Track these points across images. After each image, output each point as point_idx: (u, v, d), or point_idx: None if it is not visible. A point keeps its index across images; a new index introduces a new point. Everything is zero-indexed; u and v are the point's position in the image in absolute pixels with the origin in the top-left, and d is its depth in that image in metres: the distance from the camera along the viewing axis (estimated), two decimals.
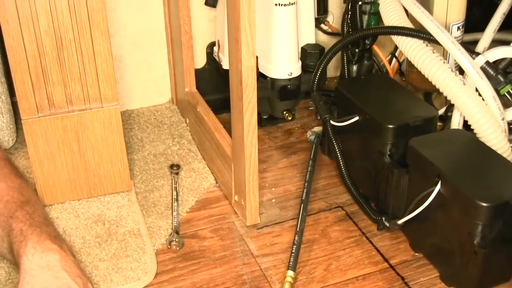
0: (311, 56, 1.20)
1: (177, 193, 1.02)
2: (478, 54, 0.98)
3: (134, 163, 1.11)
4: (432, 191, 0.81)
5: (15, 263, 0.79)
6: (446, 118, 1.07)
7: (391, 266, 0.88)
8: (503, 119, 0.94)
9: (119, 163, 0.99)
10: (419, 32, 0.97)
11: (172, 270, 0.87)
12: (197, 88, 1.20)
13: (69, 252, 0.81)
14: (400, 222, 0.88)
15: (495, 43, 1.07)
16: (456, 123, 1.00)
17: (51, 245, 0.78)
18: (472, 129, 0.94)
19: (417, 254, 0.90)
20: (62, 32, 0.88)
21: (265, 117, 1.24)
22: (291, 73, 1.18)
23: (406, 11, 1.04)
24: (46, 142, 0.93)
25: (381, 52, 1.20)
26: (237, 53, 0.84)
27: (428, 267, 0.88)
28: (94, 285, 0.83)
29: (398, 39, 1.00)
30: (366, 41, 1.15)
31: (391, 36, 1.02)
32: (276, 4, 1.13)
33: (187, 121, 1.22)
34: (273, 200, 1.02)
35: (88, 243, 0.91)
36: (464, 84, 0.93)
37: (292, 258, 0.86)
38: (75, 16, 0.88)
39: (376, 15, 1.16)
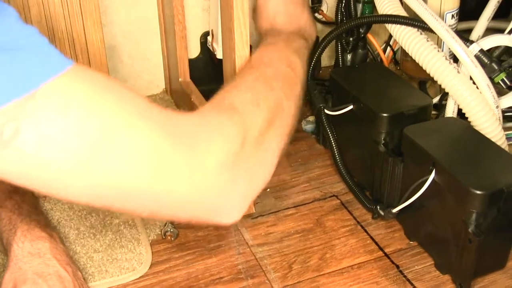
0: None
1: None
2: (472, 42, 0.97)
3: None
4: (427, 179, 0.81)
5: (5, 252, 0.80)
6: (440, 107, 1.07)
7: (386, 255, 0.88)
8: (497, 107, 0.94)
9: None
10: (413, 20, 0.97)
11: (167, 261, 0.87)
12: (191, 78, 1.20)
13: (59, 240, 0.81)
14: (394, 210, 0.88)
15: (489, 31, 1.07)
16: (450, 111, 1.00)
17: (41, 233, 0.79)
18: (467, 118, 0.94)
19: (412, 242, 0.90)
20: (53, 22, 0.88)
21: None
22: None
23: None
24: None
25: (375, 41, 1.20)
26: (231, 42, 0.84)
27: (423, 255, 0.88)
28: (89, 276, 0.84)
29: (392, 28, 1.00)
30: (361, 30, 1.15)
31: (385, 24, 1.02)
32: None
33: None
34: (268, 189, 1.02)
35: (82, 234, 0.91)
36: (458, 72, 0.93)
37: None
38: (67, 6, 0.87)
39: (370, 3, 1.15)
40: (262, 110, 0.66)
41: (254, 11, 0.89)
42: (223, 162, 0.58)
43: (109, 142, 0.50)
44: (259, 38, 0.86)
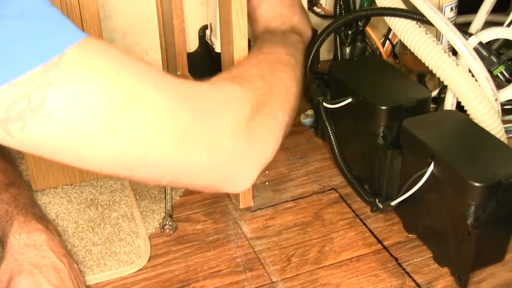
0: None
1: None
2: (471, 35, 0.97)
3: None
4: (425, 172, 0.81)
5: (1, 244, 0.80)
6: (439, 100, 1.07)
7: (385, 248, 0.88)
8: (496, 100, 0.94)
9: None
10: (412, 13, 0.97)
11: (166, 254, 0.87)
12: (189, 71, 1.19)
13: (55, 232, 0.81)
14: (393, 203, 0.88)
15: (488, 24, 1.06)
16: (449, 104, 1.00)
17: (37, 225, 0.79)
18: (466, 110, 0.94)
19: (410, 235, 0.90)
20: None
21: None
22: None
23: None
24: None
25: (374, 34, 1.20)
26: (229, 35, 0.84)
27: (422, 248, 0.88)
28: (87, 269, 0.84)
29: (391, 21, 1.00)
30: (359, 23, 1.15)
31: (384, 17, 1.02)
32: None
33: None
34: (267, 183, 1.02)
35: (81, 228, 0.91)
36: (457, 65, 0.93)
37: None
38: None
39: None
40: (267, 82, 0.69)
41: (249, 17, 0.91)
42: (238, 128, 0.62)
43: (131, 109, 0.52)
44: (255, 40, 0.88)
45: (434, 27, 0.96)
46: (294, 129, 1.17)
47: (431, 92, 0.99)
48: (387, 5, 1.00)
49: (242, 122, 0.62)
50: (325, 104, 1.02)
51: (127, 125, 0.52)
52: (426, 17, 0.95)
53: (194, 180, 0.62)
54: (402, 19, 0.98)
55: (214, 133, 0.59)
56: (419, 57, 0.97)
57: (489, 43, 0.99)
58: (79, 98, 0.49)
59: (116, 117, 0.51)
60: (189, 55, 1.21)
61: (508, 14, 1.03)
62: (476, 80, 0.93)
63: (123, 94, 0.52)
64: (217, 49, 1.18)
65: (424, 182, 0.82)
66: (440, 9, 1.09)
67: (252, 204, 0.96)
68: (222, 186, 0.65)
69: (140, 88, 0.53)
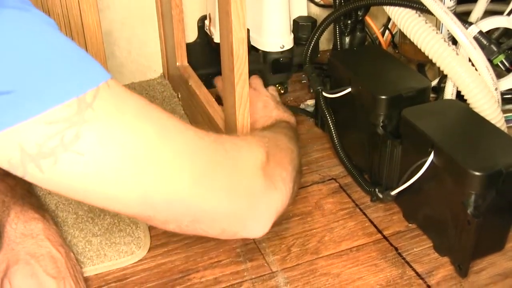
0: (303, 28, 1.19)
1: None
2: (471, 24, 0.97)
3: None
4: (425, 161, 0.81)
5: None
6: (439, 89, 1.07)
7: (385, 237, 0.88)
8: (496, 89, 0.94)
9: None
10: (412, 2, 0.96)
11: (166, 244, 0.87)
12: (188, 62, 1.19)
13: (52, 222, 0.81)
14: (393, 193, 0.88)
15: (488, 13, 1.06)
16: (449, 93, 0.99)
17: (34, 214, 0.79)
18: (465, 100, 0.94)
19: (410, 224, 0.90)
20: (50, 6, 0.87)
21: None
22: (283, 46, 1.17)
23: None
24: None
25: (373, 24, 1.19)
26: (228, 25, 0.83)
27: (422, 237, 0.88)
28: (87, 260, 0.84)
29: (390, 10, 1.00)
30: (359, 13, 1.14)
31: (383, 7, 1.01)
32: None
33: (179, 96, 1.22)
34: None
35: (81, 218, 0.91)
36: (457, 54, 0.93)
37: None
38: None
39: None
40: (275, 140, 0.78)
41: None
42: (255, 170, 0.66)
43: (157, 150, 0.55)
44: None
45: (434, 16, 0.95)
46: None
47: (431, 81, 0.99)
48: None
49: (258, 165, 0.67)
50: (324, 94, 1.02)
51: (153, 165, 0.55)
52: (425, 6, 0.95)
53: (212, 222, 0.65)
54: (401, 9, 0.98)
55: (232, 174, 0.63)
56: (418, 46, 0.97)
57: (489, 32, 0.99)
58: (110, 138, 0.51)
59: (144, 157, 0.54)
60: (188, 46, 1.20)
61: (508, 3, 1.03)
62: (476, 69, 0.93)
63: (150, 136, 0.55)
64: (216, 39, 1.18)
65: (424, 171, 0.81)
66: None
67: None
68: (239, 229, 0.68)
69: (165, 131, 0.57)
